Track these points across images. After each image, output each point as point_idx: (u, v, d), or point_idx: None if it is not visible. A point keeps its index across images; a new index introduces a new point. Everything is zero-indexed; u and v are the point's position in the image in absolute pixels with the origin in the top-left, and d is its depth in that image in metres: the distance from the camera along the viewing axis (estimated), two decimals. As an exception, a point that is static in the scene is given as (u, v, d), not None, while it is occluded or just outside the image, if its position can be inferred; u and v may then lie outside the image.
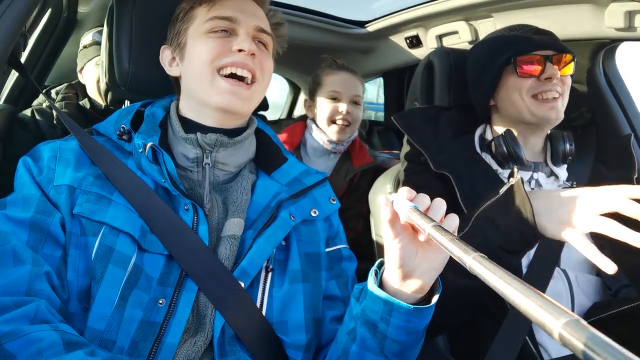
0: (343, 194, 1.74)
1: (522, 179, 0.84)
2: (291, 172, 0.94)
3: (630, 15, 1.19)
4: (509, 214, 0.83)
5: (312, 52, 2.14)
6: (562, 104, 1.09)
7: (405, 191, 0.64)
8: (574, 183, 1.12)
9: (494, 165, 1.14)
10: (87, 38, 1.71)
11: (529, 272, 1.00)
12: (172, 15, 0.95)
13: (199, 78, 0.86)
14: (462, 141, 1.18)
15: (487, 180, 1.08)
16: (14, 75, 1.57)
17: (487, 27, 1.63)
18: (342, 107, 1.70)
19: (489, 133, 1.21)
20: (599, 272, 1.09)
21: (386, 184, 1.31)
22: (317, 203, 0.93)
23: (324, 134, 1.74)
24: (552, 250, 1.02)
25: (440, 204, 0.66)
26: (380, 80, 2.68)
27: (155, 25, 0.99)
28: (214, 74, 0.85)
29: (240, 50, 0.85)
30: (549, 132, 1.16)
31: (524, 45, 1.09)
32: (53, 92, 1.76)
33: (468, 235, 0.87)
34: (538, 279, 0.98)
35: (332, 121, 1.72)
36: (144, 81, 1.02)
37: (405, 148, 1.26)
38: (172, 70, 0.94)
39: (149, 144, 0.80)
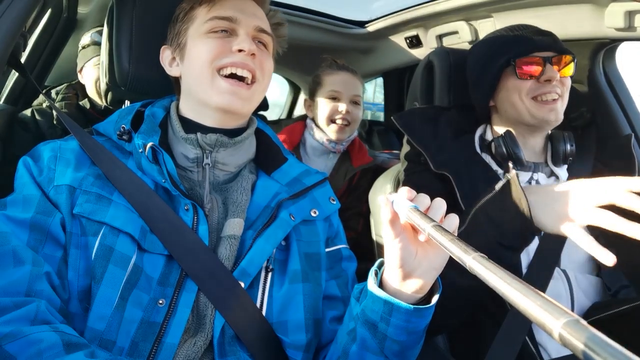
0: (343, 193, 1.74)
1: (517, 174, 0.84)
2: (291, 172, 0.94)
3: (630, 15, 1.19)
4: (506, 209, 0.83)
5: (312, 52, 2.14)
6: (562, 105, 1.09)
7: (405, 191, 0.64)
8: None
9: (494, 166, 1.14)
10: (85, 38, 1.71)
11: (529, 272, 1.00)
12: (172, 16, 0.95)
13: (199, 78, 0.86)
14: (462, 141, 1.18)
15: (487, 181, 1.08)
16: (14, 75, 1.57)
17: (487, 27, 1.63)
18: (342, 106, 1.70)
19: (489, 133, 1.21)
20: (598, 273, 1.09)
21: (386, 184, 1.31)
22: (317, 203, 0.93)
23: (323, 133, 1.74)
24: (552, 250, 1.02)
25: (441, 204, 0.66)
26: (376, 80, 2.68)
27: (155, 25, 0.99)
28: (214, 74, 0.85)
29: (240, 51, 0.85)
30: (549, 132, 1.16)
31: (523, 47, 1.09)
32: (53, 92, 1.77)
33: (466, 232, 0.87)
34: (538, 279, 0.98)
35: (331, 120, 1.72)
36: (144, 81, 1.02)
37: (405, 148, 1.26)
38: (172, 71, 0.94)
39: (149, 144, 0.80)
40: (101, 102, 1.64)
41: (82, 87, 1.73)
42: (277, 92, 3.20)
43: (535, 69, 1.07)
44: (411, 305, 0.68)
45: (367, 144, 2.07)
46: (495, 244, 0.85)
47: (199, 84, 0.86)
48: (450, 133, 1.18)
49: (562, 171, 1.15)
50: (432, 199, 0.66)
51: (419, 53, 2.02)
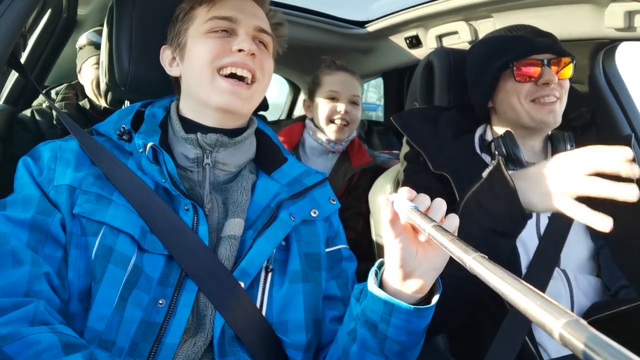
0: (342, 193, 1.75)
1: (503, 159, 0.84)
2: (291, 172, 0.94)
3: (630, 15, 1.19)
4: (494, 195, 0.84)
5: (312, 53, 2.14)
6: (561, 107, 1.09)
7: (405, 191, 0.64)
8: None
9: (494, 166, 1.14)
10: (81, 39, 1.71)
11: (529, 272, 1.00)
12: (172, 16, 0.95)
13: (199, 78, 0.86)
14: (461, 141, 1.18)
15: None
16: (14, 75, 1.57)
17: (487, 27, 1.63)
18: (341, 107, 1.70)
19: (489, 133, 1.21)
20: (598, 273, 1.09)
21: (386, 185, 1.31)
22: (317, 203, 0.93)
23: (322, 133, 1.75)
24: (551, 250, 1.02)
25: (441, 204, 0.66)
26: (372, 81, 2.68)
27: (155, 25, 0.99)
28: (214, 74, 0.85)
29: (240, 50, 0.85)
30: (549, 133, 1.16)
31: (521, 49, 1.08)
32: (53, 92, 1.77)
33: (459, 222, 0.87)
34: (538, 279, 0.98)
35: (330, 121, 1.72)
36: (144, 81, 1.02)
37: (405, 148, 1.26)
38: (172, 71, 0.94)
39: (149, 144, 0.80)
40: (99, 102, 1.64)
41: (82, 88, 1.73)
42: (277, 92, 3.20)
43: (534, 71, 1.07)
44: (411, 306, 0.68)
45: (367, 144, 2.07)
46: (489, 231, 0.85)
47: (199, 84, 0.86)
48: (450, 133, 1.18)
49: (562, 171, 1.15)
50: (432, 199, 0.66)
51: (419, 53, 2.02)
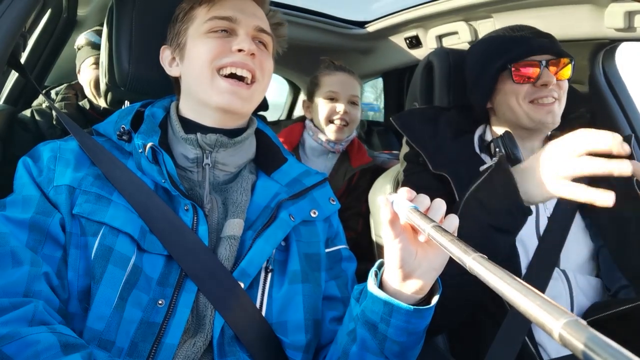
0: (342, 193, 1.75)
1: (504, 156, 0.85)
2: (291, 172, 0.94)
3: (630, 15, 1.19)
4: (494, 191, 0.85)
5: (312, 53, 2.14)
6: (559, 107, 1.09)
7: (405, 191, 0.64)
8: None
9: (494, 166, 1.14)
10: (80, 39, 1.70)
11: (529, 272, 1.00)
12: (172, 16, 0.95)
13: (199, 78, 0.86)
14: (461, 141, 1.18)
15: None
16: (14, 75, 1.57)
17: (487, 27, 1.63)
18: (340, 107, 1.70)
19: (488, 134, 1.21)
20: (598, 273, 1.09)
21: (386, 185, 1.31)
22: (317, 204, 0.93)
23: (322, 133, 1.75)
24: (551, 250, 1.02)
25: (440, 204, 0.66)
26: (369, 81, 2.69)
27: (155, 25, 0.99)
28: (213, 74, 0.85)
29: (240, 50, 0.85)
30: (548, 134, 1.16)
31: (519, 51, 1.08)
32: (53, 92, 1.77)
33: (459, 220, 0.87)
34: (538, 279, 0.98)
35: (330, 121, 1.72)
36: (143, 81, 1.02)
37: (405, 149, 1.26)
38: (172, 71, 0.94)
39: (149, 144, 0.80)
40: (97, 102, 1.64)
41: (82, 88, 1.73)
42: (277, 92, 3.20)
43: (532, 73, 1.06)
44: (411, 306, 0.68)
45: (367, 145, 2.07)
46: (488, 228, 0.86)
47: (198, 84, 0.86)
48: (450, 133, 1.18)
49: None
50: (431, 199, 0.66)
51: (419, 53, 2.02)
